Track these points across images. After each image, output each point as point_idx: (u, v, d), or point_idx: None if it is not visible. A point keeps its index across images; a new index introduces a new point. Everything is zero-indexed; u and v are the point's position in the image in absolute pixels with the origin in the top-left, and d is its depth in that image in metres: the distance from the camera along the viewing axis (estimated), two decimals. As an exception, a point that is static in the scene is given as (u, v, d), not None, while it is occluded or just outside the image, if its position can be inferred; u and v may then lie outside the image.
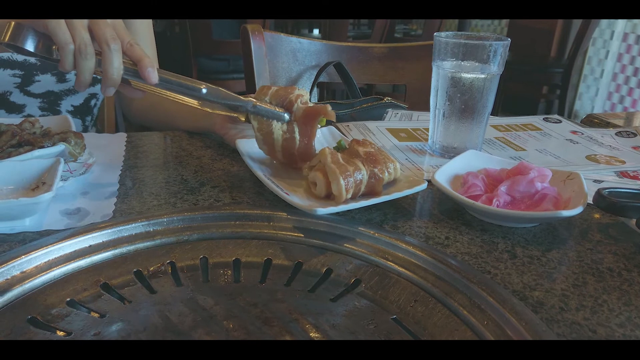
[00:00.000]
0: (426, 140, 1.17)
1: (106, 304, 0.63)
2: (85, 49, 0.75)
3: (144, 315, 0.60)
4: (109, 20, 0.77)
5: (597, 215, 0.86)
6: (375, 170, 0.83)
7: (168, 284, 0.67)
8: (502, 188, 0.82)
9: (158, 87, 0.80)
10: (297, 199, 0.81)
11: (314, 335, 0.59)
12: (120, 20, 0.79)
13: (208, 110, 0.85)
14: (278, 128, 0.86)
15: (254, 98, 0.86)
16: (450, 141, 1.08)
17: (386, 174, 0.84)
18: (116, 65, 0.76)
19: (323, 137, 1.05)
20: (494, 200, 0.80)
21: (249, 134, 1.00)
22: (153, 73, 0.78)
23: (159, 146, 1.12)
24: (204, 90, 0.81)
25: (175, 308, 0.62)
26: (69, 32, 0.74)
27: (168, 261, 0.71)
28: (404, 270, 0.70)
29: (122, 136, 1.14)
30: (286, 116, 0.85)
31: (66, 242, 0.69)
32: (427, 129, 1.17)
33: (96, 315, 0.61)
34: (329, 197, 0.82)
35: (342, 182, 0.78)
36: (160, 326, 0.59)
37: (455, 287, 0.65)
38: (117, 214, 0.79)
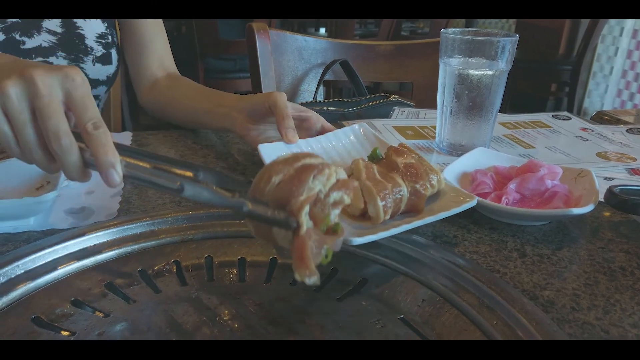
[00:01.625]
0: (433, 138, 1.16)
1: (110, 303, 0.62)
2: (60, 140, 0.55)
3: (148, 315, 0.60)
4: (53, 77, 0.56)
5: (608, 213, 0.84)
6: (417, 186, 0.73)
7: (173, 283, 0.67)
8: (512, 186, 0.81)
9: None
10: None
11: (320, 335, 0.58)
12: (72, 75, 0.57)
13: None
14: (282, 237, 0.56)
15: (251, 193, 0.58)
16: (457, 139, 1.06)
17: (429, 188, 0.74)
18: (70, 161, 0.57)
19: (355, 137, 0.94)
20: (503, 198, 0.79)
21: (272, 136, 0.96)
22: (113, 177, 0.54)
23: (165, 145, 1.11)
24: (185, 189, 0.52)
25: (179, 307, 0.61)
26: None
27: (173, 260, 0.71)
28: (411, 269, 0.69)
29: (127, 135, 1.13)
30: (292, 223, 0.55)
31: (71, 242, 0.69)
32: (435, 127, 1.16)
33: (100, 314, 0.61)
34: (364, 215, 0.73)
35: (379, 203, 0.70)
36: (165, 326, 0.58)
37: (463, 287, 0.64)
38: (121, 213, 0.78)
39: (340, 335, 0.58)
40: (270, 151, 0.85)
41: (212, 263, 0.71)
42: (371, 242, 0.73)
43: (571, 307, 0.61)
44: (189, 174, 0.57)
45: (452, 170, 0.86)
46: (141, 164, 0.55)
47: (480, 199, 0.77)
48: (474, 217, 0.80)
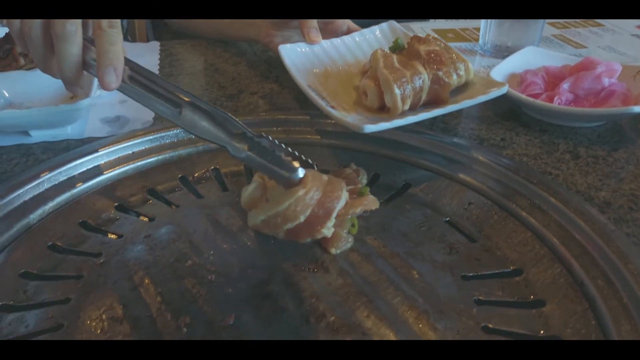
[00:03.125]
0: (476, 40, 1.09)
1: (154, 208, 0.62)
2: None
3: (193, 218, 0.60)
4: None
5: (668, 114, 0.79)
6: (440, 73, 0.67)
7: (214, 189, 0.66)
8: (565, 85, 0.75)
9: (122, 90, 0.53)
10: (342, 113, 0.69)
11: (364, 236, 0.57)
12: None
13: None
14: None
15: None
16: (504, 40, 0.99)
17: (454, 77, 0.68)
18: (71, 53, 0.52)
19: (382, 35, 0.87)
20: (556, 99, 0.74)
21: (295, 41, 0.90)
22: (110, 76, 0.50)
23: (194, 54, 1.07)
24: (183, 114, 0.52)
25: (223, 212, 0.61)
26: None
27: (212, 167, 0.70)
28: (456, 172, 0.66)
29: (155, 45, 1.10)
30: (299, 172, 0.51)
31: (109, 149, 0.68)
32: (478, 29, 1.08)
33: (145, 219, 0.61)
34: (383, 109, 0.70)
35: (396, 91, 0.65)
36: (211, 229, 0.58)
37: (513, 189, 0.62)
38: (157, 121, 0.77)
39: (384, 237, 0.57)
40: (291, 52, 0.81)
41: (251, 170, 0.70)
42: (414, 146, 0.70)
43: (629, 207, 0.58)
44: (189, 99, 0.53)
45: (499, 72, 0.81)
46: (144, 80, 0.52)
47: (531, 99, 0.72)
48: (522, 120, 0.76)
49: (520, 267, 0.53)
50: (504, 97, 0.76)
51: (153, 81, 0.52)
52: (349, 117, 0.67)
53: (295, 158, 0.53)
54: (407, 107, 0.67)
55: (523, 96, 0.73)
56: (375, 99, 0.68)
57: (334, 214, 0.52)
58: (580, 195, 0.60)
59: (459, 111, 0.78)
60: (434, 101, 0.69)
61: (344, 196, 0.54)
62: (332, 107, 0.70)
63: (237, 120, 0.53)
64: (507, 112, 0.79)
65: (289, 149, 0.53)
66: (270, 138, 0.53)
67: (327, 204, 0.52)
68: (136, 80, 0.52)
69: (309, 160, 0.53)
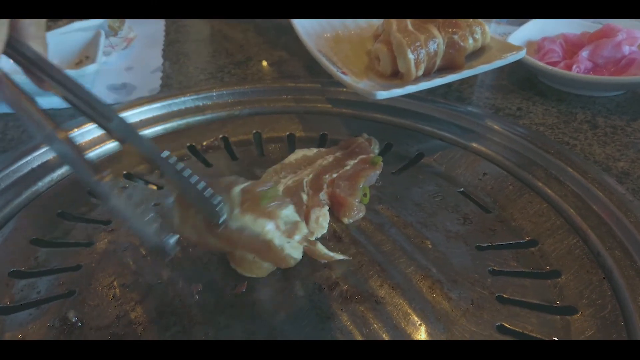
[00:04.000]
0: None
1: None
2: None
3: (202, 186, 0.59)
4: None
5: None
6: (455, 37, 0.64)
7: (223, 157, 0.65)
8: (584, 53, 0.73)
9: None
10: (353, 79, 0.67)
11: (375, 205, 0.56)
12: None
13: None
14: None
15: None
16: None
17: (470, 40, 0.65)
18: None
19: None
20: (574, 67, 0.71)
21: None
22: None
23: (200, 20, 1.05)
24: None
25: (233, 180, 0.60)
26: None
27: (221, 136, 0.69)
28: (471, 142, 0.65)
29: (161, 12, 1.07)
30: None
31: (117, 116, 0.67)
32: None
33: (154, 187, 0.60)
34: (397, 74, 0.67)
35: (410, 56, 0.62)
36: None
37: (529, 159, 0.60)
38: (164, 89, 0.75)
39: (397, 205, 0.56)
40: None
41: (261, 139, 0.69)
42: (427, 115, 0.69)
43: (648, 179, 0.57)
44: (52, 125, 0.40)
45: (516, 39, 0.78)
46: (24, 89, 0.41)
47: (549, 66, 0.70)
48: (539, 89, 0.74)
49: (536, 238, 0.52)
50: (521, 66, 0.74)
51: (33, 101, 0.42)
52: (360, 83, 0.65)
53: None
54: (420, 72, 0.64)
55: (541, 64, 0.71)
56: (388, 65, 0.66)
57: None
58: (598, 166, 0.58)
59: (474, 79, 0.77)
60: (448, 66, 0.66)
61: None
62: (344, 73, 0.68)
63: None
64: (523, 80, 0.77)
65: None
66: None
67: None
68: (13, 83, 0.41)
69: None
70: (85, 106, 0.41)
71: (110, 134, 0.41)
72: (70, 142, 0.40)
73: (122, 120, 0.41)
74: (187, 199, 0.43)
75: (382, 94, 0.61)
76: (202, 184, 0.41)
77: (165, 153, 0.41)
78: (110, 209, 0.40)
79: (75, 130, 0.64)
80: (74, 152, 0.40)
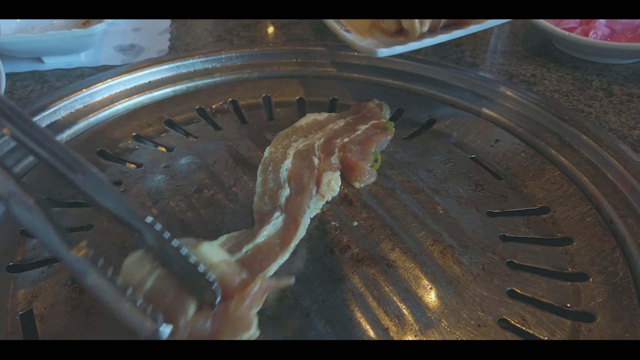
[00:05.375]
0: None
1: (172, 139, 0.61)
2: None
3: (213, 149, 0.59)
4: None
5: None
6: None
7: (232, 121, 0.64)
8: (601, 19, 0.71)
9: None
10: (356, 37, 0.66)
11: (389, 172, 0.56)
12: None
13: None
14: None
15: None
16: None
17: None
18: None
19: None
20: (591, 33, 0.70)
21: None
22: None
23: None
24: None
25: (243, 144, 0.59)
26: None
27: (230, 99, 0.68)
28: (483, 108, 0.64)
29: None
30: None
31: (125, 77, 0.66)
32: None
33: (163, 149, 0.60)
34: (402, 32, 0.66)
35: None
36: (231, 160, 0.57)
37: (543, 126, 0.60)
38: (172, 50, 0.74)
39: (409, 171, 0.55)
40: None
41: (271, 102, 0.68)
42: (439, 81, 0.67)
43: (664, 147, 0.56)
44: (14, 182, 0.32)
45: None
46: None
47: (565, 32, 0.69)
48: (554, 55, 0.73)
49: (548, 205, 0.52)
50: (536, 31, 0.72)
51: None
52: (363, 41, 0.64)
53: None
54: (425, 28, 0.62)
55: (557, 29, 0.69)
56: (393, 21, 0.64)
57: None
58: (613, 133, 0.58)
59: (487, 45, 0.75)
60: (455, 22, 0.64)
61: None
62: (347, 30, 0.66)
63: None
64: (538, 46, 0.75)
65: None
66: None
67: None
68: None
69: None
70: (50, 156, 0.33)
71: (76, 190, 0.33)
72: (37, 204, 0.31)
73: (95, 175, 0.33)
74: (171, 273, 0.36)
75: (383, 52, 0.59)
76: (193, 258, 0.36)
77: (149, 219, 0.34)
78: (89, 289, 0.32)
79: (84, 90, 0.63)
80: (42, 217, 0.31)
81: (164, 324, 0.33)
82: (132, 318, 0.32)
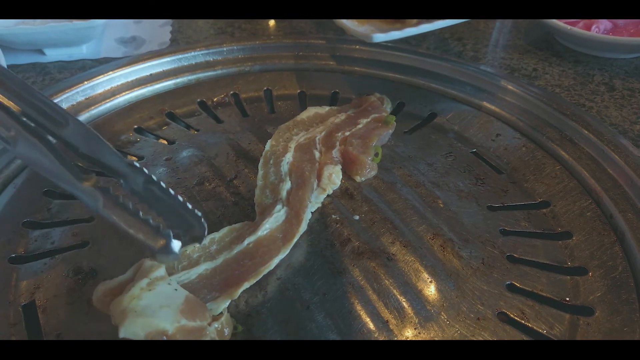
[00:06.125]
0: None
1: (173, 132, 0.61)
2: None
3: (214, 142, 0.59)
4: None
5: None
6: None
7: (234, 114, 0.65)
8: (604, 13, 0.71)
9: None
10: (353, 22, 0.66)
11: (390, 166, 0.56)
12: None
13: None
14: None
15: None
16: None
17: None
18: None
19: None
20: (593, 27, 0.70)
21: None
22: None
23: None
24: (18, 143, 0.34)
25: (244, 137, 0.60)
26: None
27: (231, 92, 0.68)
28: (484, 102, 0.64)
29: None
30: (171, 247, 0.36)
31: (126, 70, 0.66)
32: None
33: (164, 142, 0.60)
34: (399, 19, 0.67)
35: None
36: (232, 153, 0.57)
37: (544, 120, 0.60)
38: (173, 43, 0.74)
39: (409, 165, 0.56)
40: None
41: (272, 96, 0.68)
42: (440, 75, 0.67)
43: (665, 142, 0.56)
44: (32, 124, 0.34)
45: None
46: None
47: (567, 26, 0.68)
48: (556, 50, 0.72)
49: (548, 200, 0.52)
50: (538, 25, 0.72)
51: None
52: (361, 27, 0.64)
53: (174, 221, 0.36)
54: None
55: (559, 23, 0.69)
56: None
57: None
58: (614, 128, 0.58)
59: (488, 38, 0.75)
60: None
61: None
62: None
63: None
64: (540, 41, 0.75)
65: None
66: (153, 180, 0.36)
67: None
68: None
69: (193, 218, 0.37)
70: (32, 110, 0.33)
71: (63, 144, 0.33)
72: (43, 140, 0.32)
73: (80, 124, 0.33)
74: (158, 214, 0.36)
75: (379, 37, 0.60)
76: (180, 197, 0.36)
77: (137, 163, 0.36)
78: (103, 216, 0.33)
79: (86, 82, 0.63)
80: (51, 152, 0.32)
81: (174, 241, 0.34)
82: (145, 235, 0.34)
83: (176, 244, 0.35)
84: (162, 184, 0.36)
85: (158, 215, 0.36)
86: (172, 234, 0.34)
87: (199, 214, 0.37)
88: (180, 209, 0.36)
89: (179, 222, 0.36)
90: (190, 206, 0.36)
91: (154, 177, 0.35)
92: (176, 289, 0.37)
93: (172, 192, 0.36)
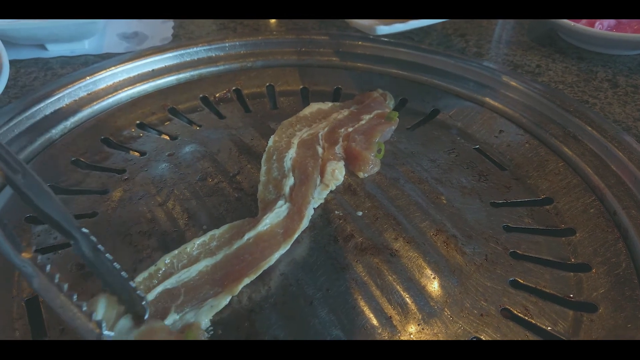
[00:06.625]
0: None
1: (176, 127, 0.61)
2: None
3: (217, 138, 0.59)
4: None
5: None
6: None
7: (236, 110, 0.64)
8: (608, 9, 0.70)
9: None
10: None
11: (393, 162, 0.56)
12: None
13: None
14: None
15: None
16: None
17: None
18: None
19: None
20: (597, 24, 0.69)
21: None
22: None
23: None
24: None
25: (247, 133, 0.59)
26: None
27: (234, 88, 0.68)
28: (487, 99, 0.64)
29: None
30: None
31: (129, 65, 0.66)
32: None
33: (167, 137, 0.60)
34: None
35: None
36: (235, 149, 0.57)
37: (547, 117, 0.59)
38: (175, 38, 0.74)
39: (412, 161, 0.56)
40: None
41: (274, 91, 0.68)
42: (443, 71, 0.67)
43: (669, 139, 0.56)
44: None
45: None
46: None
47: (571, 22, 0.68)
48: (559, 46, 0.72)
49: (551, 196, 0.52)
50: (541, 22, 0.72)
51: None
52: (364, 20, 0.64)
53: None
54: None
55: (562, 19, 0.69)
56: None
57: None
58: (618, 125, 0.57)
59: (492, 35, 0.75)
60: None
61: None
62: None
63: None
64: (543, 37, 0.75)
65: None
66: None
67: None
68: None
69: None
70: None
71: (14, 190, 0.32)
72: None
73: (33, 177, 0.32)
74: (104, 283, 0.36)
75: (383, 29, 0.60)
76: (124, 274, 0.36)
77: (85, 230, 0.35)
78: (37, 292, 0.32)
79: (88, 78, 0.63)
80: None
81: (107, 331, 0.34)
82: (78, 323, 0.33)
83: (109, 335, 0.34)
84: (109, 255, 0.35)
85: (104, 286, 0.36)
86: (104, 325, 0.34)
87: (142, 294, 0.37)
88: (125, 284, 0.36)
89: (123, 297, 0.36)
90: (133, 284, 0.36)
91: (101, 247, 0.35)
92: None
93: (117, 266, 0.36)
